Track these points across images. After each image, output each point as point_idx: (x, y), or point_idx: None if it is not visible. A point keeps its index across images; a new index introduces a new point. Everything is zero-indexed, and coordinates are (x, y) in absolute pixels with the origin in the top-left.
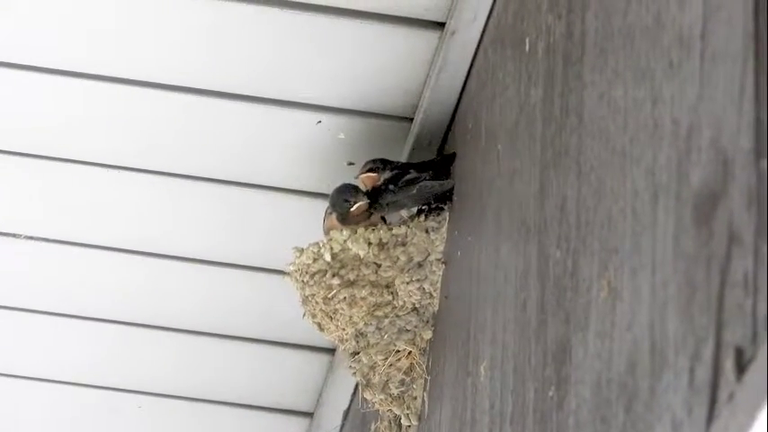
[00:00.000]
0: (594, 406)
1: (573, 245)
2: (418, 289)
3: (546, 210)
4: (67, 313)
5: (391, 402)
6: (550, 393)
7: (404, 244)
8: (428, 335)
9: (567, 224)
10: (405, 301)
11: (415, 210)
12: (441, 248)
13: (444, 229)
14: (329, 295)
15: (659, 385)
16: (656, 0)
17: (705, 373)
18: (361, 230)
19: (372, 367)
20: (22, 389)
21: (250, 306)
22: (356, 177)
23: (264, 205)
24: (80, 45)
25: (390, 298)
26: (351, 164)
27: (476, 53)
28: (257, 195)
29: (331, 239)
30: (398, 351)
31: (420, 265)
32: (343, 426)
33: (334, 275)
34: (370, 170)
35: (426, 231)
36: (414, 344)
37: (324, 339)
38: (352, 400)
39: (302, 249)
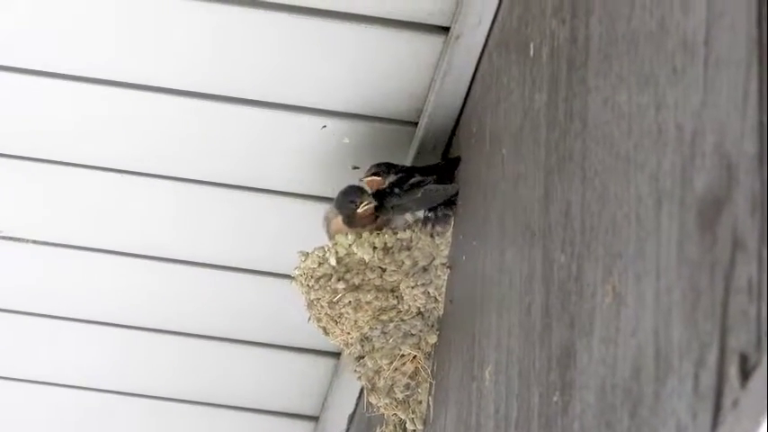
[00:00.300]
0: (599, 411)
1: (577, 250)
2: (423, 293)
3: (550, 214)
4: (73, 317)
5: (396, 407)
6: (555, 398)
7: (409, 248)
8: (433, 339)
9: (571, 229)
10: (410, 306)
11: (420, 214)
12: (446, 253)
13: (449, 234)
14: (334, 299)
15: (664, 391)
16: (660, 6)
17: (709, 378)
18: (366, 235)
19: (377, 371)
20: (26, 392)
21: (255, 310)
22: (361, 180)
23: (269, 209)
24: (86, 49)
25: (395, 302)
26: (356, 168)
27: (480, 57)
28: (262, 199)
29: (336, 244)
30: (403, 355)
31: (425, 269)
32: (348, 430)
33: (339, 280)
34: (374, 174)
35: (431, 236)
36: (419, 348)
37: (329, 343)
38: (357, 405)
39: (307, 253)
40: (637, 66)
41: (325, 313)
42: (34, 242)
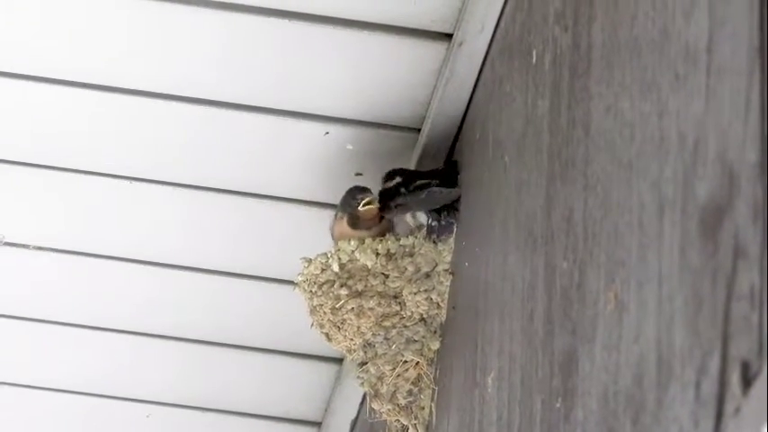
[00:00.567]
0: (601, 418)
1: (580, 256)
2: (426, 299)
3: (553, 221)
4: (77, 323)
5: (399, 412)
6: (557, 405)
7: (411, 254)
8: (436, 345)
9: (573, 236)
10: (412, 312)
11: (423, 220)
12: (448, 259)
13: (452, 240)
14: (337, 305)
15: (666, 398)
16: (663, 13)
17: (711, 386)
18: (368, 241)
19: (380, 377)
20: (29, 398)
21: (258, 316)
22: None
23: (273, 216)
24: (92, 58)
25: (398, 308)
26: (359, 174)
27: (483, 64)
28: (265, 206)
29: (339, 250)
30: (406, 361)
31: (428, 275)
32: None
33: (342, 286)
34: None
35: (434, 242)
36: (421, 354)
37: (332, 349)
38: (359, 410)
39: (310, 260)
40: (639, 73)
41: (328, 319)
42: (37, 248)
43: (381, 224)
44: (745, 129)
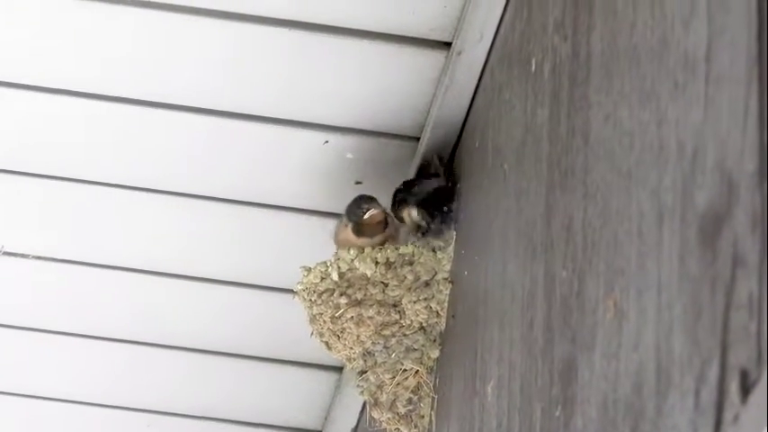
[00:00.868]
0: (601, 426)
1: (579, 265)
2: (425, 308)
3: (552, 229)
4: (79, 333)
5: (399, 421)
6: (557, 413)
7: (411, 263)
8: (435, 354)
9: (573, 244)
10: (412, 321)
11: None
12: (448, 267)
13: (451, 249)
14: (337, 314)
15: (665, 406)
16: (661, 22)
17: (710, 394)
18: (368, 250)
19: (380, 386)
20: (32, 408)
21: (258, 325)
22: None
23: (273, 224)
24: (92, 67)
25: (398, 317)
26: (358, 183)
27: (482, 73)
28: (266, 215)
29: (338, 259)
30: (406, 370)
31: (427, 284)
32: None
33: (341, 295)
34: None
35: (433, 250)
36: (421, 363)
37: (332, 358)
38: (359, 419)
39: (310, 268)
40: (638, 82)
41: (328, 328)
42: (37, 258)
43: (385, 233)
44: (744, 137)
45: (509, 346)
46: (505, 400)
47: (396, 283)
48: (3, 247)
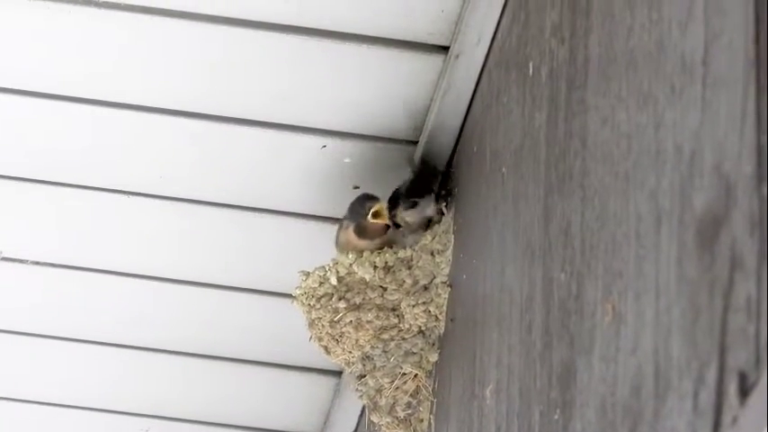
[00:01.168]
0: (600, 429)
1: (577, 268)
2: (424, 312)
3: (550, 233)
4: (77, 338)
5: (398, 425)
6: (556, 416)
7: (409, 267)
8: (434, 357)
9: (571, 248)
10: (411, 324)
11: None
12: (446, 271)
13: (449, 252)
14: (335, 319)
15: (663, 409)
16: (659, 26)
17: (709, 396)
18: (366, 254)
19: (379, 390)
20: (30, 413)
21: (257, 329)
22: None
23: (271, 229)
24: (88, 73)
25: (396, 321)
26: (356, 187)
27: (480, 76)
28: (263, 219)
29: (337, 263)
30: (405, 374)
31: (426, 287)
32: None
33: (340, 299)
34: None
35: (432, 254)
36: (420, 366)
37: (330, 362)
38: (358, 423)
39: (308, 273)
40: (635, 85)
41: (327, 332)
42: (35, 263)
43: (386, 236)
44: (741, 140)
45: (508, 350)
46: (504, 403)
47: (394, 286)
48: (1, 252)
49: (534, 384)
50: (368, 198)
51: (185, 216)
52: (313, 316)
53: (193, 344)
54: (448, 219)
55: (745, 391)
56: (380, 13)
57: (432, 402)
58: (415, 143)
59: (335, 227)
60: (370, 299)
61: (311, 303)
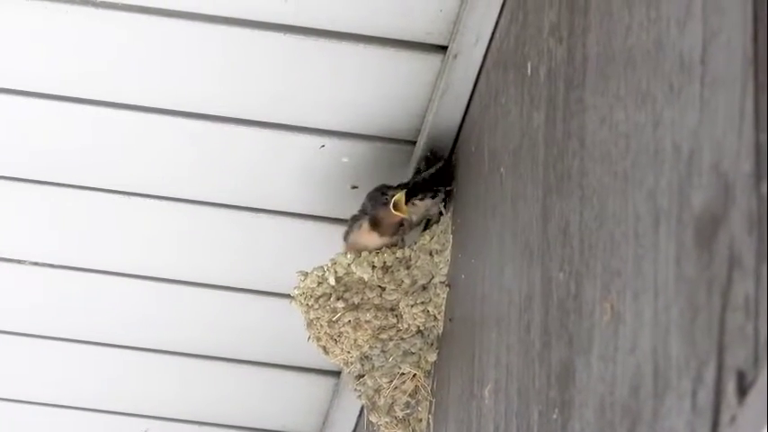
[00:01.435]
0: (598, 428)
1: (576, 268)
2: (423, 312)
3: (549, 233)
4: (76, 339)
5: (397, 425)
6: (554, 416)
7: (408, 267)
8: (433, 357)
9: (570, 247)
10: (409, 324)
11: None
12: (445, 271)
13: (448, 252)
14: (334, 319)
15: (662, 408)
16: (657, 24)
17: (707, 395)
18: (365, 254)
19: (377, 390)
20: (29, 414)
21: (255, 330)
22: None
23: (269, 229)
24: (88, 73)
25: (395, 321)
26: (354, 187)
27: (478, 76)
28: (261, 220)
29: (335, 263)
30: (403, 374)
31: (424, 287)
32: None
33: (338, 299)
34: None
35: (430, 254)
36: (419, 366)
37: (329, 362)
38: (357, 423)
39: (307, 273)
40: (634, 84)
41: (325, 332)
42: (33, 264)
43: (398, 236)
44: (740, 139)
45: (506, 350)
46: (503, 403)
47: (393, 286)
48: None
49: (533, 384)
50: (390, 187)
51: (183, 217)
52: (311, 316)
53: (192, 344)
54: (446, 218)
55: (743, 390)
56: (378, 12)
57: (430, 402)
58: (414, 143)
59: (334, 227)
60: (369, 299)
61: (310, 303)
